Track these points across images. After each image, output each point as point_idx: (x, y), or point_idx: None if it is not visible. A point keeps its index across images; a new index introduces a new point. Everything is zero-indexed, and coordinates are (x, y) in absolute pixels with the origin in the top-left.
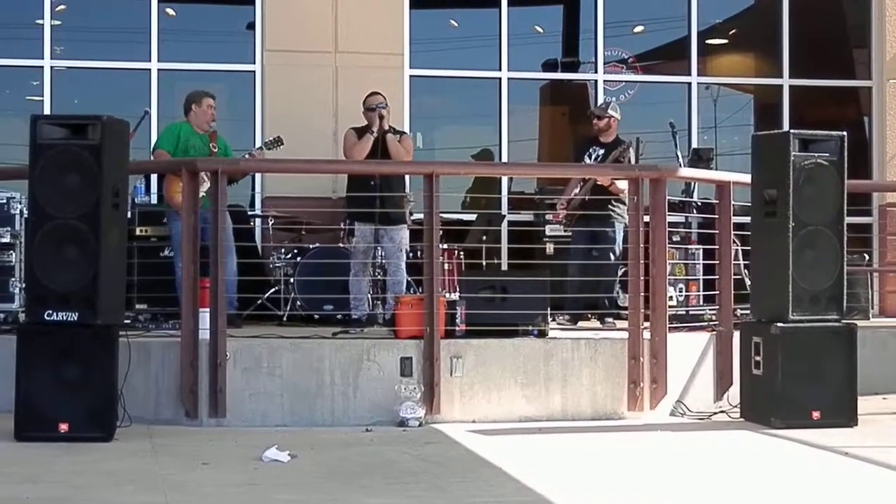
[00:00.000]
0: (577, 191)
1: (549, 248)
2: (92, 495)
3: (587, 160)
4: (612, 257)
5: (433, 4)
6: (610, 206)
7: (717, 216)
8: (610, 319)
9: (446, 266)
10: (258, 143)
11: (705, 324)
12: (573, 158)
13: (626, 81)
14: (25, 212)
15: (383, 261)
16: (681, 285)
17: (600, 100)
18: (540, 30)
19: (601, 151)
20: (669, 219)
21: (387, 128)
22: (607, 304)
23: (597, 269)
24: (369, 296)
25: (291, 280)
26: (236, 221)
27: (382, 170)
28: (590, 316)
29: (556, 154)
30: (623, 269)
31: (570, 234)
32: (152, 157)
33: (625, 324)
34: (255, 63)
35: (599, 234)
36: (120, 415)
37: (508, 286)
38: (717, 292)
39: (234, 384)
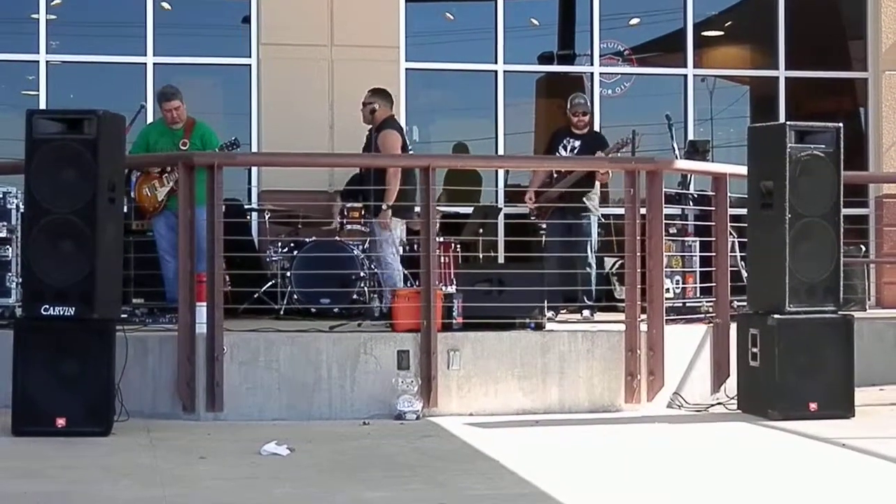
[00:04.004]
0: (551, 181)
1: (544, 240)
2: (90, 490)
3: (563, 151)
4: (588, 250)
5: None
6: (584, 199)
7: (713, 208)
8: (587, 312)
9: (443, 259)
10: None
11: (702, 316)
12: (545, 150)
13: (622, 74)
14: (21, 206)
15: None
16: (677, 277)
17: (596, 92)
18: (536, 22)
19: (577, 143)
20: (666, 211)
21: (375, 125)
22: (591, 296)
23: (578, 262)
24: (367, 289)
25: (288, 274)
26: (235, 215)
27: (378, 163)
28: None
29: None
30: (617, 261)
31: (543, 226)
32: None
33: (608, 315)
34: (251, 56)
35: (575, 226)
36: (117, 409)
37: (505, 279)
38: (714, 284)
39: (232, 378)
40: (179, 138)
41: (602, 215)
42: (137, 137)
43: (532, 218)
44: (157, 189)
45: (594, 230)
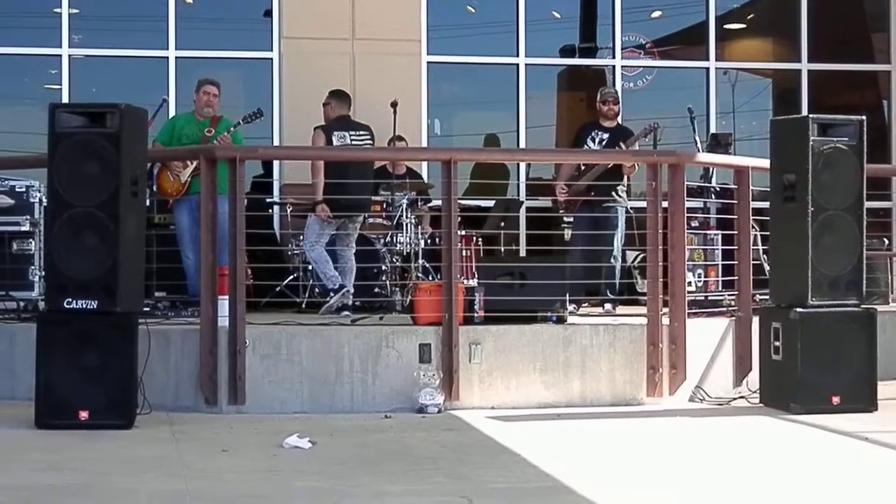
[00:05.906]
0: (578, 174)
1: (568, 233)
2: (112, 482)
3: (591, 144)
4: (615, 242)
5: None
6: (613, 192)
7: (735, 201)
8: (609, 305)
9: (464, 252)
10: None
11: (724, 309)
12: (573, 143)
13: (643, 67)
14: (44, 200)
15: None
16: (699, 271)
17: (618, 85)
18: (557, 15)
19: (605, 135)
20: (688, 204)
21: None
22: (614, 289)
23: (603, 254)
24: (388, 282)
25: (310, 267)
26: (256, 209)
27: (399, 157)
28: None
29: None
30: (639, 254)
31: (571, 219)
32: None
33: (630, 309)
34: (272, 50)
35: (602, 219)
36: (140, 402)
37: (527, 272)
38: (736, 278)
39: (254, 371)
40: (205, 126)
41: (629, 208)
42: (164, 125)
43: (561, 211)
44: (180, 172)
45: (622, 222)
